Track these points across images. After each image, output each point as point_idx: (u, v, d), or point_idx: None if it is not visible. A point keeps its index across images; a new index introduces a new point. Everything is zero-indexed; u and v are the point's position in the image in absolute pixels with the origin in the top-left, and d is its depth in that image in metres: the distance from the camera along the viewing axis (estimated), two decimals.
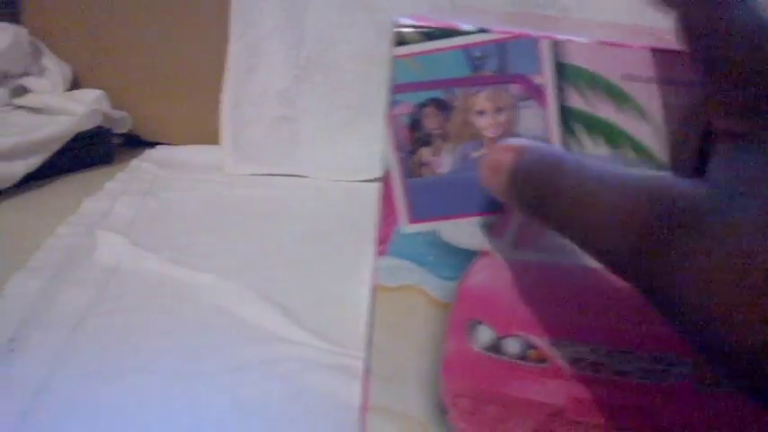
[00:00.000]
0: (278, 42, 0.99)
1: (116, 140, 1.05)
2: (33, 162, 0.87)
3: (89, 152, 0.98)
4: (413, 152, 0.27)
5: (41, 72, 1.08)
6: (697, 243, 0.19)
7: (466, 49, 0.25)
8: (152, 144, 1.09)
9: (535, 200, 0.22)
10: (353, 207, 0.84)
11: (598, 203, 0.21)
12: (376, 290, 0.32)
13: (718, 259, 0.19)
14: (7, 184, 0.85)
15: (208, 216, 0.83)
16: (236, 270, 0.67)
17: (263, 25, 0.99)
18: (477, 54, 0.26)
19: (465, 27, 0.26)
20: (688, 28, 0.22)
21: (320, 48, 0.97)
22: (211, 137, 1.05)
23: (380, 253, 0.30)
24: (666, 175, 0.22)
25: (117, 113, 1.03)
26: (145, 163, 0.99)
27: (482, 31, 0.25)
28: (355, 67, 0.97)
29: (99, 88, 1.04)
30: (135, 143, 1.09)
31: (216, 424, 0.47)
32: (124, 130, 1.06)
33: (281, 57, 0.99)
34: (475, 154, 0.26)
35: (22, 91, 1.06)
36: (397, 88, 0.27)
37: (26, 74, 1.07)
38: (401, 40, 0.26)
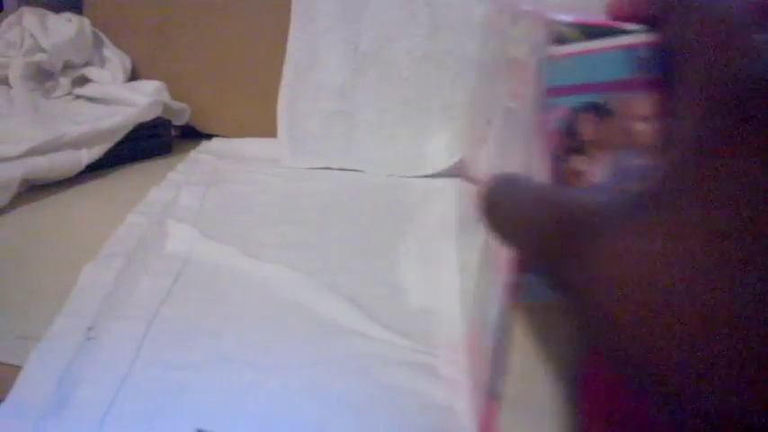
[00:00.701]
0: (336, 37, 0.98)
1: (174, 132, 1.05)
2: (97, 151, 0.88)
3: (149, 143, 0.97)
4: (565, 160, 0.26)
5: (102, 62, 1.09)
6: (588, 249, 0.20)
7: (629, 49, 0.24)
8: (208, 136, 1.08)
9: (491, 221, 0.24)
10: (411, 202, 0.84)
11: (526, 219, 0.23)
12: (513, 308, 0.29)
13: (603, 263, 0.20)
14: (72, 173, 0.85)
15: (269, 208, 0.82)
16: (305, 262, 0.67)
17: (322, 20, 0.99)
18: (642, 55, 0.24)
19: (629, 26, 0.24)
20: None
21: (378, 43, 0.96)
22: (267, 130, 1.05)
23: (520, 269, 0.28)
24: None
25: (177, 104, 1.03)
26: (203, 155, 0.99)
27: (647, 29, 0.23)
28: (412, 62, 0.95)
29: (157, 80, 1.04)
30: (191, 135, 1.09)
31: (296, 418, 0.46)
32: (183, 122, 1.06)
33: (339, 52, 0.98)
34: (636, 162, 0.25)
35: (83, 81, 1.07)
36: (552, 92, 0.25)
37: (88, 64, 1.08)
38: (560, 39, 0.24)
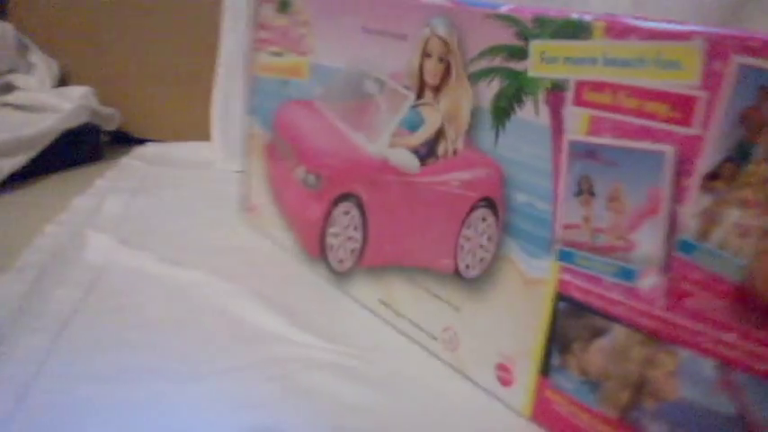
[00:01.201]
0: None
1: (105, 138, 1.04)
2: (20, 160, 0.85)
3: (78, 150, 0.96)
4: None
5: (29, 69, 1.06)
6: None
7: None
8: (142, 141, 1.07)
9: None
10: None
11: None
12: None
13: None
14: None
15: (198, 213, 0.81)
16: (229, 268, 0.66)
17: None
18: None
19: None
20: None
21: None
22: (202, 134, 1.03)
23: None
24: None
25: (105, 110, 1.01)
26: (134, 160, 0.98)
27: None
28: None
29: (88, 85, 1.03)
30: (125, 140, 1.07)
31: (213, 426, 0.44)
32: (113, 127, 1.04)
33: None
34: None
35: (9, 88, 1.04)
36: None
37: (12, 71, 1.05)
38: None
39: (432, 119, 0.52)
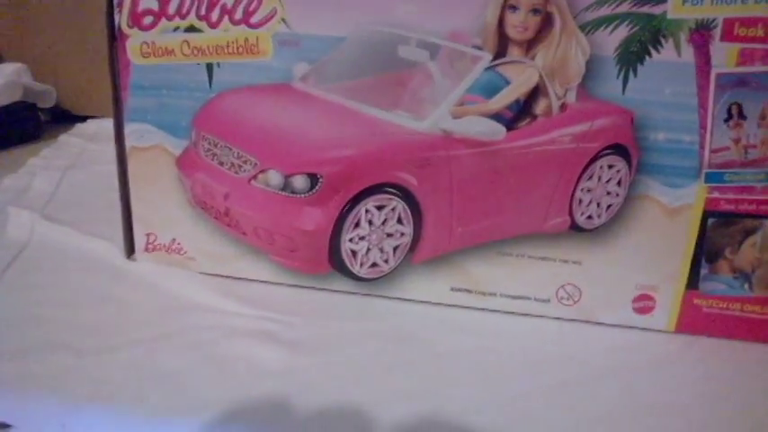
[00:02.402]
0: None
1: (44, 116, 1.06)
2: None
3: (13, 129, 0.97)
4: None
5: None
6: None
7: None
8: (84, 118, 1.08)
9: None
10: None
11: None
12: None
13: None
14: None
15: None
16: None
17: None
18: None
19: None
20: None
21: None
22: None
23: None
24: None
25: (40, 86, 1.03)
26: (73, 137, 0.99)
27: None
28: None
29: (24, 62, 1.03)
30: (67, 118, 1.08)
31: (134, 398, 0.45)
32: (50, 105, 1.06)
33: None
34: None
35: None
36: None
37: None
38: None
39: (521, 78, 0.52)
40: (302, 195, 0.54)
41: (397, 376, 0.49)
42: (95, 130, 1.03)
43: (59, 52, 1.08)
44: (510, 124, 0.53)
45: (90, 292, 0.58)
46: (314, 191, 0.53)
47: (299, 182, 0.53)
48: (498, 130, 0.52)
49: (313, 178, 0.53)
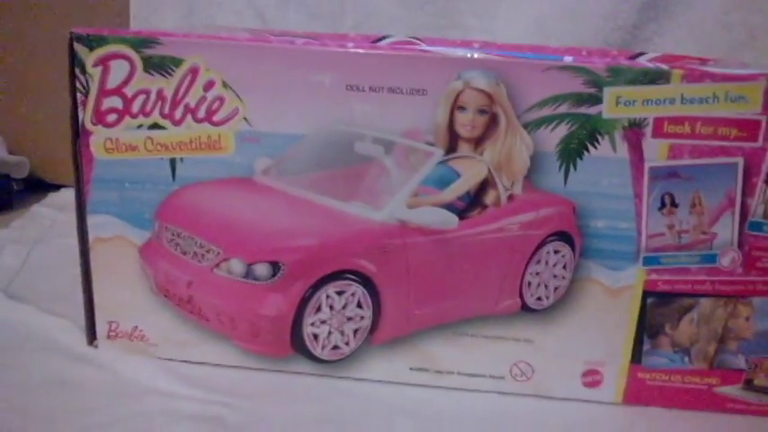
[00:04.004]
0: None
1: (17, 186, 1.10)
2: None
3: None
4: None
5: None
6: None
7: None
8: (57, 187, 1.13)
9: None
10: None
11: None
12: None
13: None
14: None
15: None
16: None
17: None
18: None
19: None
20: None
21: None
22: None
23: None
24: None
25: (13, 158, 1.09)
26: (45, 208, 1.06)
27: None
28: None
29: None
30: (41, 187, 1.13)
31: None
32: (23, 175, 1.11)
33: None
34: None
35: None
36: None
37: None
38: None
39: (472, 171, 0.59)
40: (264, 282, 0.60)
41: None
42: (68, 200, 1.00)
43: (33, 121, 1.14)
44: (462, 214, 0.61)
45: (46, 375, 0.63)
46: (276, 278, 0.60)
47: (261, 269, 0.60)
48: (451, 219, 0.60)
49: (275, 266, 0.60)
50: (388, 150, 0.59)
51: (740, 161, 0.57)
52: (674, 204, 0.59)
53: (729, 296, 0.61)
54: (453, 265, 0.61)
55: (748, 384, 0.63)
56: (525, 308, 0.63)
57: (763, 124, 0.56)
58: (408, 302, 0.62)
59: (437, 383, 0.65)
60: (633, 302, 0.61)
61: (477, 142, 0.59)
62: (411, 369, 0.64)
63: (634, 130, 0.57)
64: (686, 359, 0.63)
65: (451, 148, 0.59)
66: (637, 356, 0.63)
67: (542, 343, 0.63)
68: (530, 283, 0.63)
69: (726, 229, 0.59)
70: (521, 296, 0.63)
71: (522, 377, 0.64)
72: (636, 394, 0.64)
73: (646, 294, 0.61)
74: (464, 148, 0.59)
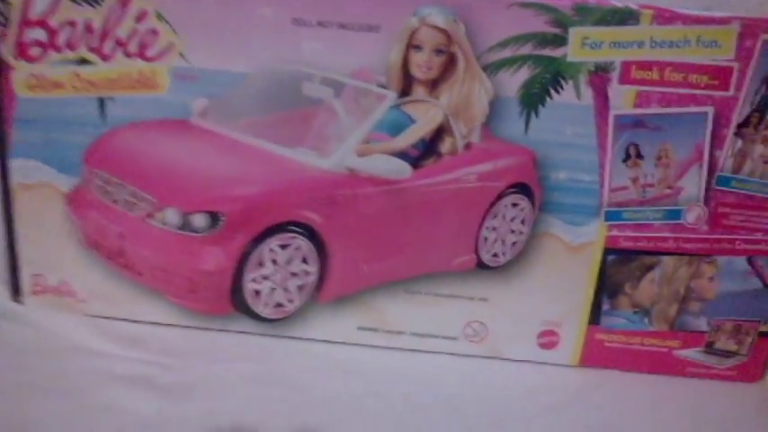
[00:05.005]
0: None
1: None
2: None
3: None
4: None
5: None
6: None
7: None
8: None
9: None
10: None
11: None
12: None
13: None
14: None
15: None
16: None
17: None
18: None
19: None
20: None
21: None
22: None
23: None
24: None
25: None
26: None
27: None
28: None
29: None
30: None
31: None
32: None
33: None
34: None
35: None
36: None
37: None
38: None
39: (426, 116, 0.57)
40: (202, 234, 0.57)
41: (268, 424, 0.53)
42: None
43: None
44: (415, 162, 0.58)
45: None
46: (214, 229, 0.57)
47: (199, 220, 0.57)
48: (404, 168, 0.57)
49: (214, 216, 0.56)
50: (338, 92, 0.56)
51: (710, 111, 0.55)
52: (639, 156, 0.57)
53: (693, 255, 0.59)
54: (405, 218, 0.59)
55: (709, 347, 0.62)
56: (481, 265, 0.61)
57: (735, 72, 0.54)
58: (357, 257, 0.60)
59: (387, 344, 0.62)
60: (593, 260, 0.59)
61: (433, 85, 0.56)
62: (360, 328, 0.62)
63: (600, 75, 0.55)
64: (646, 320, 0.61)
65: (405, 90, 0.57)
66: (595, 317, 0.61)
67: (497, 302, 0.61)
68: (486, 239, 0.61)
69: (692, 184, 0.57)
70: (476, 252, 0.61)
71: (475, 337, 0.62)
72: (593, 356, 0.62)
73: (606, 251, 0.59)
74: (419, 92, 0.57)
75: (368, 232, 0.59)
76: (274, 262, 0.58)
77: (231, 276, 0.58)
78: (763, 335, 0.62)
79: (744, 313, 0.61)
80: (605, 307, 0.61)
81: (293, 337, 0.62)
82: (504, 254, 0.61)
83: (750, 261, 0.59)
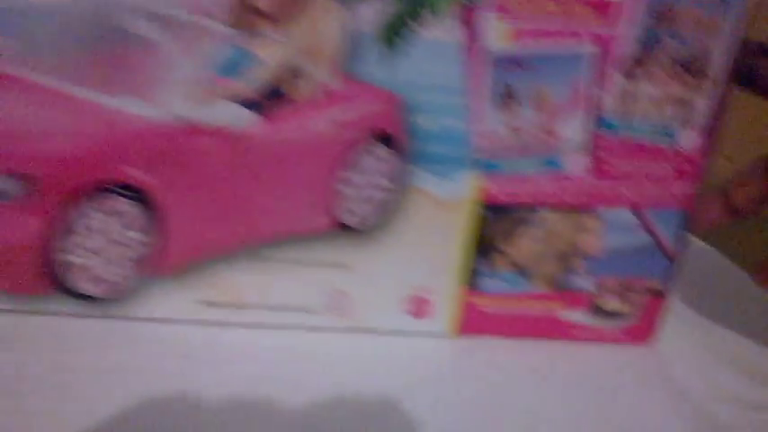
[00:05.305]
0: None
1: None
2: None
3: None
4: None
5: None
6: None
7: None
8: None
9: None
10: None
11: None
12: None
13: None
14: None
15: None
16: None
17: None
18: None
19: None
20: None
21: None
22: None
23: None
24: None
25: None
26: None
27: None
28: None
29: None
30: None
31: None
32: None
33: None
34: None
35: None
36: None
37: None
38: None
39: (273, 56, 0.50)
40: (7, 201, 0.49)
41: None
42: None
43: None
44: (262, 110, 0.52)
45: None
46: (21, 194, 0.49)
47: (2, 184, 0.49)
48: (246, 116, 0.51)
49: (19, 179, 0.49)
50: (167, 29, 0.49)
51: (593, 49, 0.51)
52: (513, 99, 0.52)
53: (575, 208, 0.55)
54: (253, 175, 0.52)
55: (595, 308, 0.59)
56: (340, 226, 0.55)
57: (623, 6, 0.50)
58: (196, 222, 0.53)
59: (237, 320, 0.56)
60: (466, 216, 0.55)
61: (279, 19, 0.50)
62: (204, 304, 0.56)
63: (470, 8, 0.49)
64: (526, 281, 0.58)
65: (247, 26, 0.50)
66: (471, 280, 0.57)
67: (361, 268, 0.56)
68: (345, 196, 0.55)
69: (573, 130, 0.53)
70: (334, 212, 0.55)
71: (337, 309, 0.57)
72: (470, 324, 0.58)
73: (480, 207, 0.55)
74: (264, 28, 0.50)
75: (210, 192, 0.52)
76: (94, 230, 0.51)
77: (45, 249, 0.50)
78: (652, 294, 0.59)
79: (631, 271, 0.58)
80: (481, 268, 0.57)
81: (124, 318, 0.55)
82: (366, 213, 0.55)
83: (638, 214, 0.56)
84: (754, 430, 0.53)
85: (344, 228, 0.55)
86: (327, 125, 0.52)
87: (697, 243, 0.74)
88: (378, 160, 0.54)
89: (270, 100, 0.51)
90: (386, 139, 0.53)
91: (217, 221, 0.53)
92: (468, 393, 0.53)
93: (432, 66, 0.50)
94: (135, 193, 0.51)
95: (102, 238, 0.51)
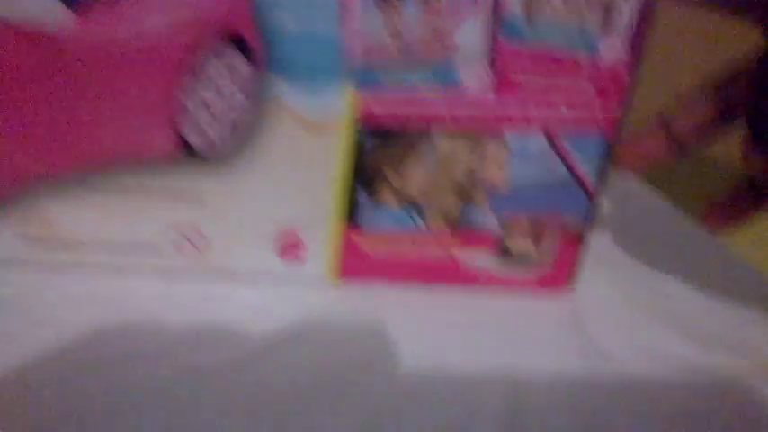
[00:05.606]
0: None
1: None
2: None
3: None
4: None
5: None
6: None
7: None
8: None
9: None
10: None
11: None
12: None
13: None
14: None
15: None
16: None
17: None
18: None
19: None
20: None
21: None
22: None
23: None
24: None
25: None
26: None
27: None
28: None
29: None
30: None
31: None
32: None
33: None
34: None
35: None
36: None
37: None
38: None
39: None
40: None
41: None
42: None
43: None
44: (79, 5, 0.43)
45: None
46: None
47: None
48: (58, 11, 0.42)
49: None
50: None
51: None
52: None
53: (475, 131, 0.48)
54: (73, 86, 0.44)
55: (501, 251, 0.52)
56: (188, 150, 0.47)
57: None
58: (7, 145, 0.45)
59: (65, 259, 0.49)
60: (342, 140, 0.47)
61: None
62: (25, 239, 0.48)
63: None
64: (418, 217, 0.50)
65: None
66: (351, 216, 0.49)
67: (216, 202, 0.48)
68: (190, 111, 0.47)
69: (470, 35, 0.45)
70: (179, 131, 0.47)
71: (190, 249, 0.49)
72: (352, 267, 0.51)
73: (360, 129, 0.47)
74: None
75: (20, 108, 0.44)
76: None
77: None
78: (568, 235, 0.52)
79: (544, 207, 0.51)
80: (363, 202, 0.49)
81: None
82: (219, 135, 0.47)
83: (550, 140, 0.49)
84: (682, 391, 0.47)
85: (193, 153, 0.47)
86: (163, 25, 0.43)
87: (628, 180, 0.67)
88: (228, 69, 0.46)
89: None
90: (238, 44, 0.45)
91: (30, 144, 0.45)
92: (345, 352, 0.46)
93: None
94: None
95: None
